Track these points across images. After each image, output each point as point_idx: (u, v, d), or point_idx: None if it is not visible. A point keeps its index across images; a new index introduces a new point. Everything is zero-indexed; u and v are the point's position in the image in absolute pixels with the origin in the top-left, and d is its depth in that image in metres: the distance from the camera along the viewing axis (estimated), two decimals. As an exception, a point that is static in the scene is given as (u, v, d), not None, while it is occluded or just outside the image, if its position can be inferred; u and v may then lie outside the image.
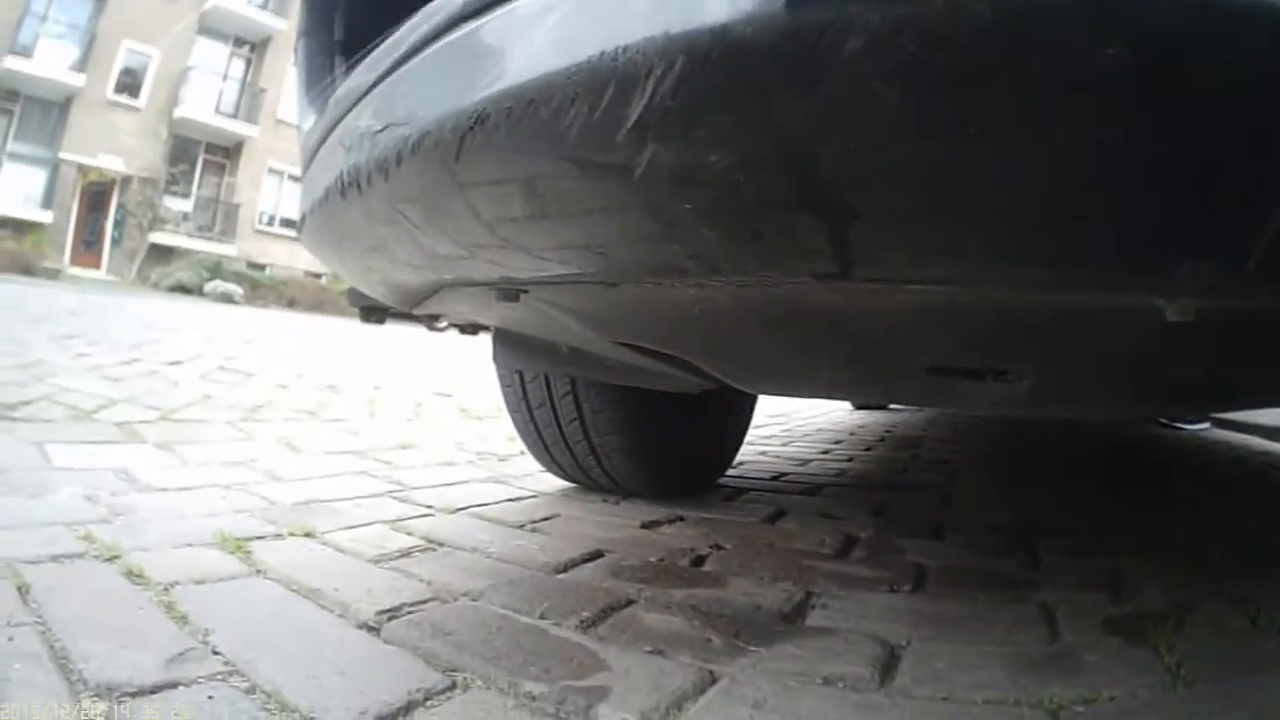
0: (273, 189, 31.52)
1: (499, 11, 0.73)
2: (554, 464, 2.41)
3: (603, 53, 0.62)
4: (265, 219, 31.39)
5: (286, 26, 29.68)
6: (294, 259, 30.08)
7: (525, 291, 1.19)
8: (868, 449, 4.04)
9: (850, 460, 3.57)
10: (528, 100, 0.68)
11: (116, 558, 1.41)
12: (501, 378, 2.32)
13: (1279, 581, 1.77)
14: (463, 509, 2.07)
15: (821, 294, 0.91)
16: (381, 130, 0.89)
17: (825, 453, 3.73)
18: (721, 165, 0.66)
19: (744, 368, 1.56)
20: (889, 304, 0.92)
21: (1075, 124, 0.56)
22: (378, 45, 1.03)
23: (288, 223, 31.07)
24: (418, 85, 0.85)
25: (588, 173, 0.72)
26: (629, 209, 0.77)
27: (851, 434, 4.55)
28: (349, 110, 1.03)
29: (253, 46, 31.00)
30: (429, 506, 2.06)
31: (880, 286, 0.84)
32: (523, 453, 2.59)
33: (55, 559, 1.37)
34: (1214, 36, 0.49)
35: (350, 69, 1.19)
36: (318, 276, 28.44)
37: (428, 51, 0.83)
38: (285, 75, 30.31)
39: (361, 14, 1.34)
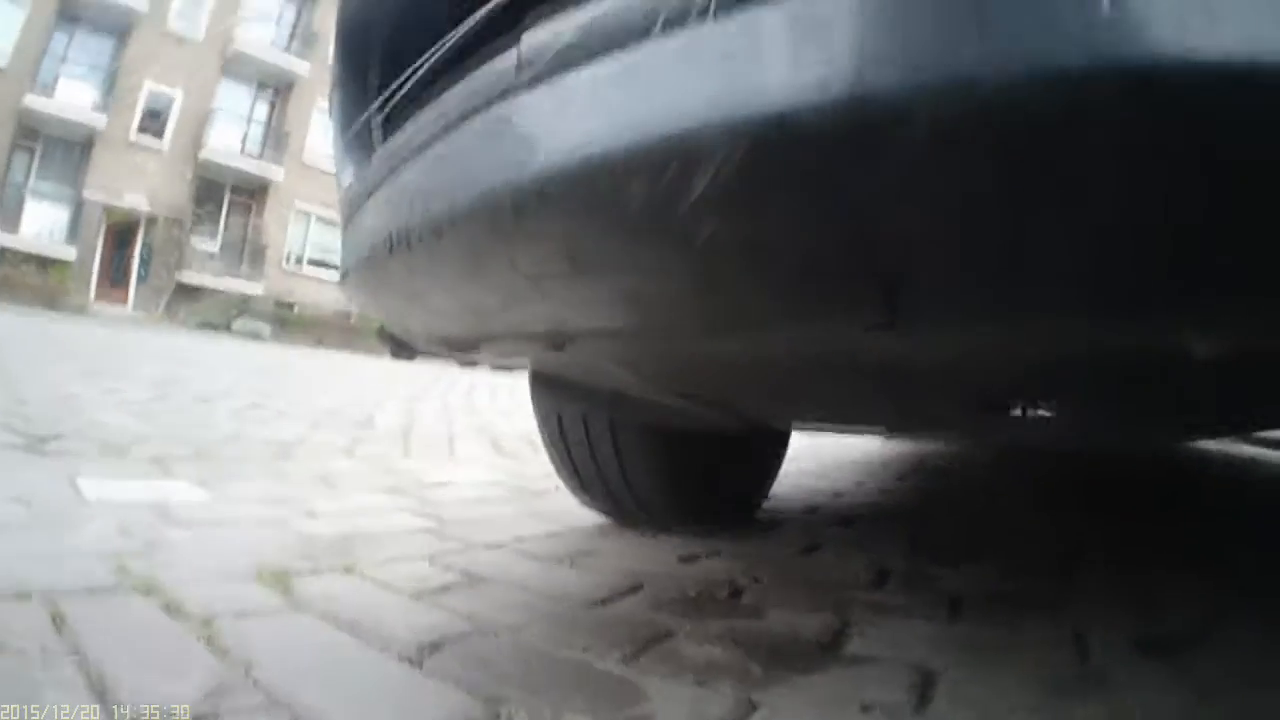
0: (299, 230, 31.84)
1: (555, 83, 0.74)
2: (590, 499, 2.42)
3: (667, 134, 0.63)
4: (292, 259, 31.71)
5: (309, 71, 30.24)
6: (321, 297, 30.31)
7: (572, 342, 1.20)
8: (900, 479, 4.04)
9: (883, 491, 3.59)
10: (589, 175, 0.70)
11: (154, 591, 1.41)
12: (538, 415, 2.33)
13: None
14: (501, 544, 2.07)
15: (869, 342, 0.93)
16: (434, 193, 0.91)
17: (859, 484, 3.74)
18: (781, 238, 0.70)
19: (788, 411, 1.59)
20: (933, 351, 0.97)
21: (1105, 199, 0.61)
22: (416, 101, 1.05)
23: (315, 263, 31.58)
24: (472, 151, 0.86)
25: (646, 241, 0.75)
26: (685, 274, 0.80)
27: (884, 464, 4.54)
28: (396, 169, 1.05)
29: (276, 90, 31.49)
30: (467, 542, 2.06)
31: (925, 337, 0.87)
32: (558, 488, 2.59)
33: (90, 591, 1.37)
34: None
35: (390, 126, 1.21)
36: (346, 315, 28.61)
37: (481, 119, 0.84)
38: (310, 118, 30.83)
39: (398, 66, 1.36)
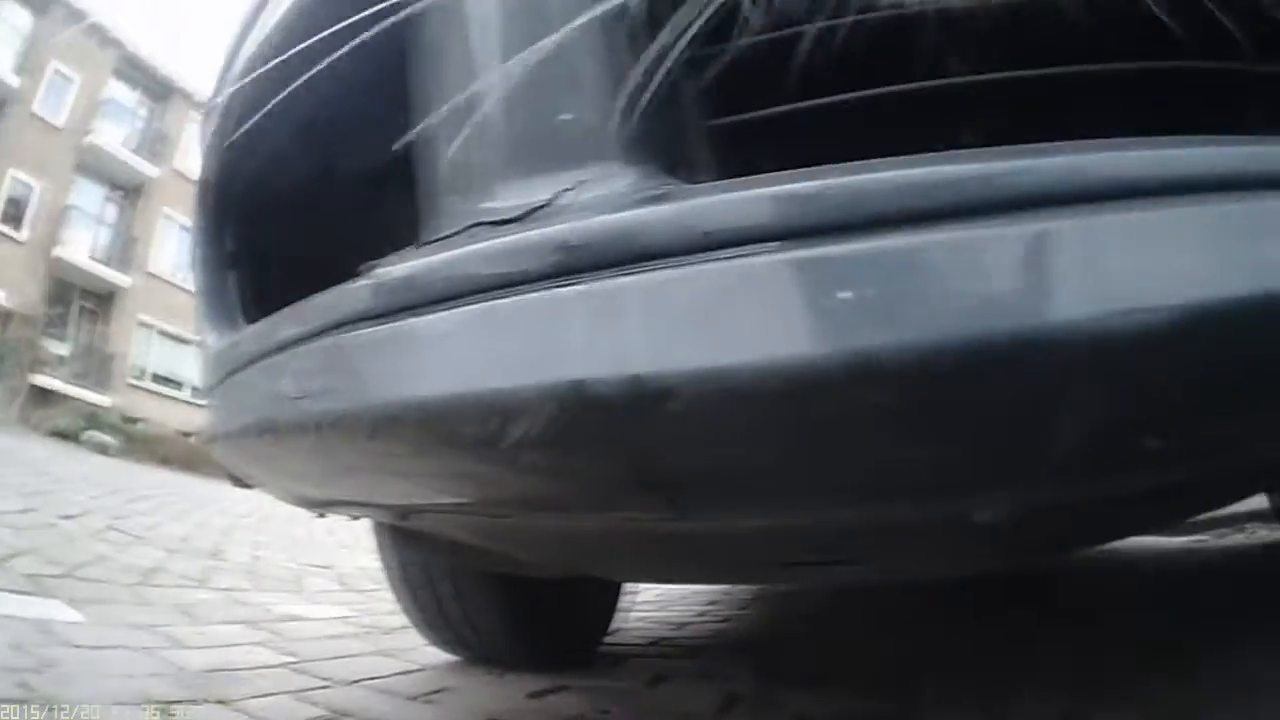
0: (143, 343, 30.94)
1: (401, 322, 0.87)
2: (437, 639, 2.52)
3: (496, 389, 0.80)
4: (137, 373, 30.65)
5: (159, 174, 29.75)
6: (166, 416, 29.20)
7: (417, 514, 1.36)
8: (743, 608, 4.02)
9: (726, 620, 3.65)
10: (430, 411, 0.86)
11: (57, 707, 1.52)
12: (383, 559, 2.43)
13: (1164, 686, 1.89)
14: (358, 681, 2.17)
15: (667, 526, 1.14)
16: (299, 398, 1.01)
17: (701, 614, 3.76)
18: (584, 468, 0.91)
19: (613, 570, 1.77)
20: (731, 529, 1.16)
21: (849, 446, 0.82)
22: (279, 278, 1.22)
23: (159, 379, 30.77)
24: (332, 366, 0.97)
25: (477, 461, 0.92)
26: (511, 483, 0.99)
27: (726, 593, 4.45)
28: (263, 358, 1.12)
29: (126, 193, 30.68)
30: (326, 678, 2.15)
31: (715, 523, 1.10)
32: (405, 626, 2.67)
33: (3, 701, 1.48)
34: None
35: (248, 295, 1.39)
36: (189, 435, 27.78)
37: (342, 337, 0.94)
38: (157, 226, 30.12)
39: (252, 231, 1.49)
